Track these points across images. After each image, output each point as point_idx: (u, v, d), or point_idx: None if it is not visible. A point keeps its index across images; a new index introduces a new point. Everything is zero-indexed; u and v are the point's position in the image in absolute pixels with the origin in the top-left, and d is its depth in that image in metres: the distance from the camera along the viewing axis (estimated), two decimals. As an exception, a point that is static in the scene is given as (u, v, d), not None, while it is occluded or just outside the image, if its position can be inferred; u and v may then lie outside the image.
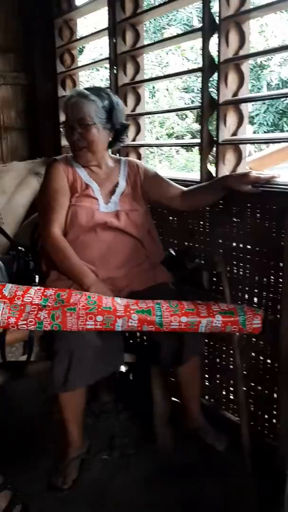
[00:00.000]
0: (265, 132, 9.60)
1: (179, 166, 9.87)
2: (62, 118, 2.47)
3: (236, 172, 1.84)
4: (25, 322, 1.48)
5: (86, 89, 1.87)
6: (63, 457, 1.83)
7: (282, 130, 9.87)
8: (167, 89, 10.29)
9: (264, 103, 9.75)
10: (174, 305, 1.55)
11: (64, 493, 1.77)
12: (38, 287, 1.60)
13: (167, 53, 10.08)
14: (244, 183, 1.71)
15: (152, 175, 2.00)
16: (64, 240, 1.80)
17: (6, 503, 1.66)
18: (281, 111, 9.96)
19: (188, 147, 10.40)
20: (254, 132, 9.41)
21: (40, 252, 1.95)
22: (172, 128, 10.54)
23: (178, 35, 2.23)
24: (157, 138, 10.18)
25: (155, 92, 10.42)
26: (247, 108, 1.95)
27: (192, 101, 9.93)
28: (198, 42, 1.90)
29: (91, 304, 1.51)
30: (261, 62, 9.93)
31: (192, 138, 10.00)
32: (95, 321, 1.49)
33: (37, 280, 1.88)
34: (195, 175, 2.05)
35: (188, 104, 9.76)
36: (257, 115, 9.99)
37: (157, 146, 8.53)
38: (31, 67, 3.00)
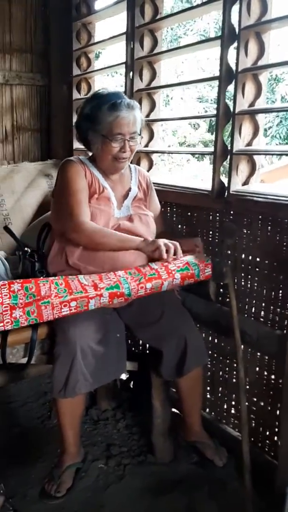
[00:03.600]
0: (277, 145, 9.59)
1: (189, 175, 9.86)
2: (73, 120, 2.39)
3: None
4: (1, 324, 1.48)
5: (111, 95, 1.78)
6: (58, 463, 1.80)
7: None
8: (182, 98, 10.33)
9: (277, 116, 9.75)
10: (136, 274, 1.62)
11: (56, 501, 1.73)
12: (2, 282, 1.56)
13: (182, 62, 10.13)
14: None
15: (152, 195, 2.00)
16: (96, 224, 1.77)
17: None
18: (294, 125, 9.96)
19: (199, 156, 10.40)
20: (267, 145, 9.39)
21: (46, 254, 1.92)
22: (185, 137, 10.57)
23: (197, 43, 2.21)
24: (169, 146, 10.19)
25: (169, 101, 10.45)
26: (263, 119, 1.93)
27: (206, 111, 9.95)
28: (214, 53, 1.87)
29: (62, 293, 1.53)
30: (276, 75, 9.93)
31: (204, 147, 10.01)
32: (70, 307, 1.53)
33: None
34: (207, 185, 2.02)
35: (201, 113, 9.78)
36: (270, 128, 9.99)
37: (170, 153, 8.50)
38: (47, 69, 3.00)
